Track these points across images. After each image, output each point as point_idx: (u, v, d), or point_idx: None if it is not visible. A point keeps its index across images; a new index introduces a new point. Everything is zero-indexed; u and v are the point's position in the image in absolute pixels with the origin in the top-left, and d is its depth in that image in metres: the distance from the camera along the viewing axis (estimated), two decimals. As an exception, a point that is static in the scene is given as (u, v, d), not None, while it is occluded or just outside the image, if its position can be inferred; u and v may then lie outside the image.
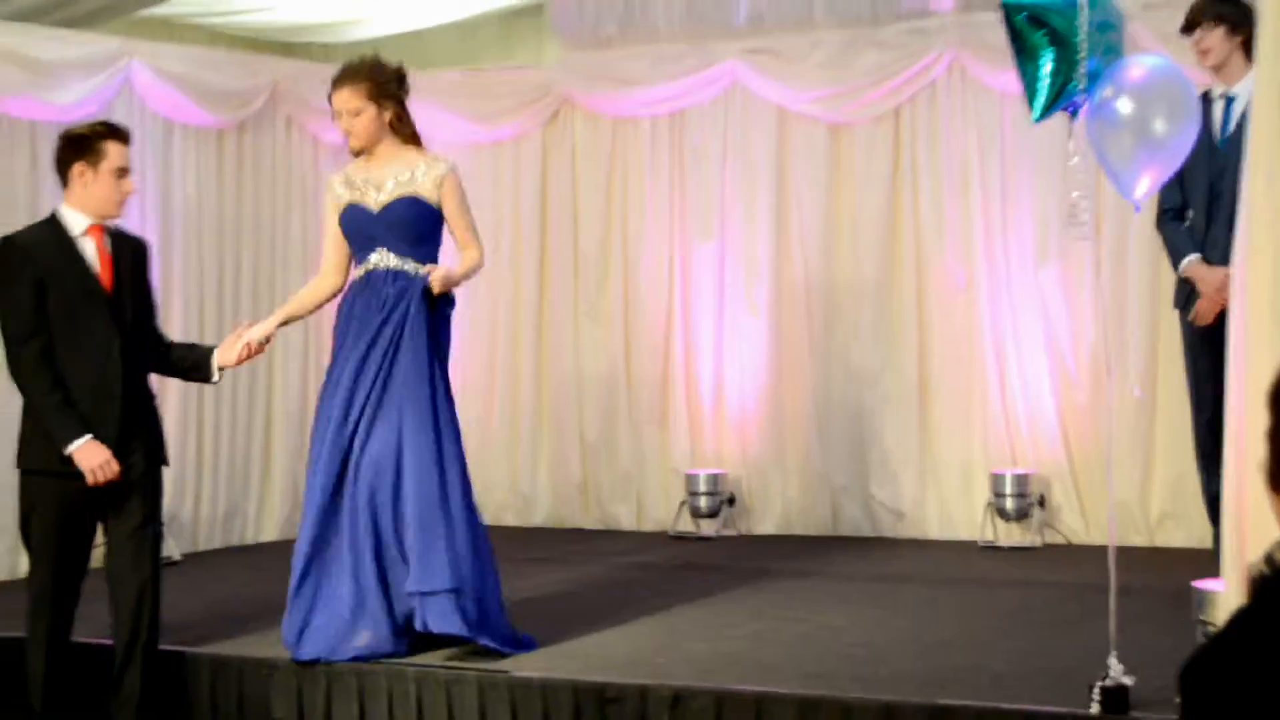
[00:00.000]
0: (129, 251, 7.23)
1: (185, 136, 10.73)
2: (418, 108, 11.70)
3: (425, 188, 7.33)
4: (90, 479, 6.84)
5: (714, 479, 11.09)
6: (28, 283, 6.89)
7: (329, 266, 7.57)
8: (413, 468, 7.18)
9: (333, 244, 7.52)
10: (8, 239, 7.08)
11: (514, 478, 11.91)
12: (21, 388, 6.98)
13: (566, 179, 11.81)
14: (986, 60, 10.38)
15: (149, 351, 7.24)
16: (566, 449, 11.77)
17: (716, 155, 11.40)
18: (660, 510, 11.41)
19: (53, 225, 7.10)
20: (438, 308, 7.33)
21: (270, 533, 11.17)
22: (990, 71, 10.40)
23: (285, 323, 7.63)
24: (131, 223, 9.90)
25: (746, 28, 11.26)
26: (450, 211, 7.42)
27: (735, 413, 11.33)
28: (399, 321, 7.19)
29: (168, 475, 10.13)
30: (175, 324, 10.36)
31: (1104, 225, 10.03)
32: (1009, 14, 6.15)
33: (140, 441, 7.09)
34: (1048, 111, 6.16)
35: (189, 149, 10.76)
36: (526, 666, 7.05)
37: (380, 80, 7.41)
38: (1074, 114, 6.15)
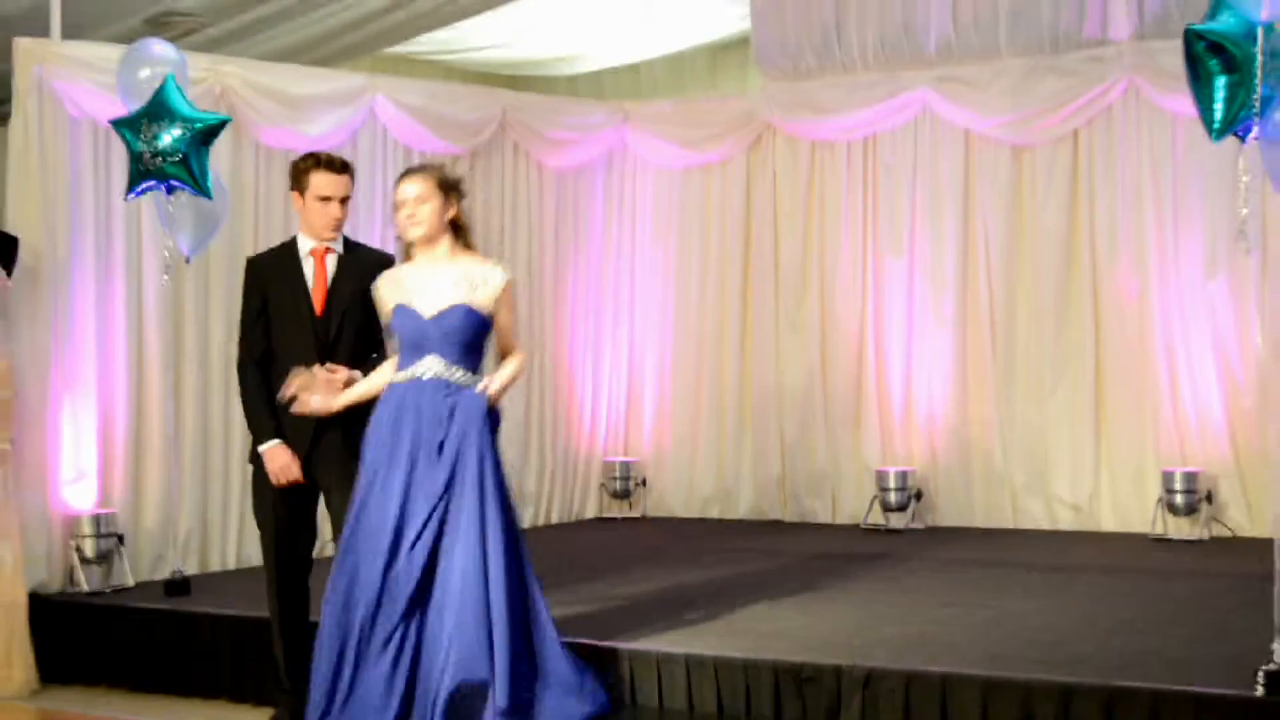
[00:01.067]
0: (358, 271, 7.09)
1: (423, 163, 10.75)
2: (634, 135, 11.91)
3: (482, 298, 6.58)
4: (273, 480, 6.93)
5: (903, 475, 11.01)
6: (256, 298, 7.06)
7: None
8: (493, 582, 6.47)
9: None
10: (250, 259, 7.26)
11: (719, 474, 11.88)
12: (240, 388, 7.17)
13: (768, 199, 11.77)
14: (1160, 85, 10.27)
15: (363, 367, 7.10)
16: (767, 448, 11.71)
17: (906, 176, 11.33)
18: (853, 505, 11.35)
19: (288, 247, 7.21)
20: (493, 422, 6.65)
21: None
22: (1163, 95, 10.27)
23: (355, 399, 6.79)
24: (373, 241, 10.09)
25: (936, 57, 11.17)
26: (502, 321, 6.71)
27: (923, 414, 11.24)
28: (460, 440, 6.49)
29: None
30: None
31: (1270, 239, 9.87)
32: (1189, 41, 6.07)
33: (334, 450, 7.02)
34: (1224, 133, 6.07)
35: (425, 174, 10.79)
36: (732, 648, 7.03)
37: (448, 177, 6.91)
38: (1245, 136, 6.05)
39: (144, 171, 8.35)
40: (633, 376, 12.12)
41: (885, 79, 11.38)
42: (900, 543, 10.43)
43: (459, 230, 6.71)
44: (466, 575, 6.38)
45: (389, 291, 6.67)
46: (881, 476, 11.05)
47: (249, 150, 9.69)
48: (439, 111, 10.84)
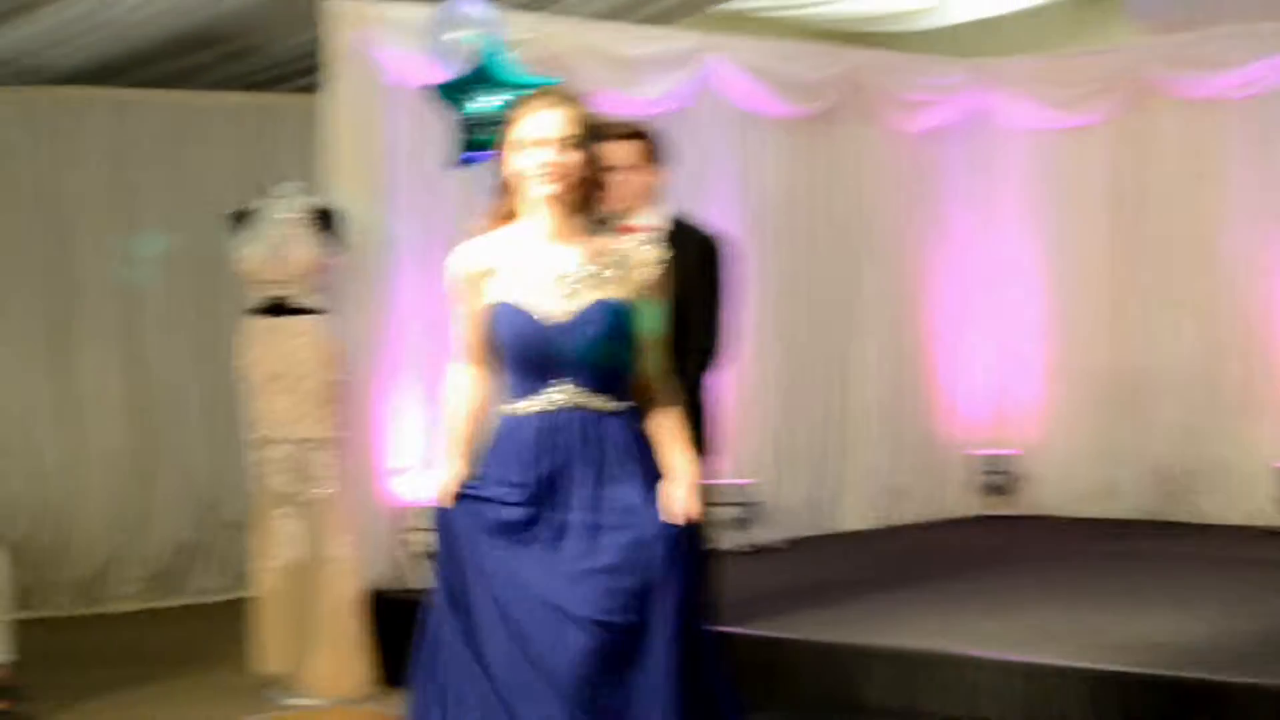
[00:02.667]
0: (677, 252, 7.15)
1: (763, 129, 10.74)
2: (999, 95, 11.67)
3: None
4: None
5: (1311, 469, 10.64)
6: None
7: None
8: None
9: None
10: None
11: (1102, 468, 11.60)
12: None
13: (1150, 164, 11.45)
14: None
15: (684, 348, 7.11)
16: (1156, 440, 11.41)
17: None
18: (1255, 502, 10.95)
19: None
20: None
21: (858, 522, 11.14)
22: None
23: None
24: (711, 213, 10.02)
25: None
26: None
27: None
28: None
29: (764, 463, 10.33)
30: (760, 313, 10.37)
31: None
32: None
33: None
34: None
35: (767, 142, 10.77)
36: (1123, 663, 6.88)
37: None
38: None
39: (470, 142, 8.44)
40: (1006, 360, 11.87)
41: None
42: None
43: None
44: None
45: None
46: (1284, 472, 10.66)
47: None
48: (779, 72, 10.75)
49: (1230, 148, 11.18)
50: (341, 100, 8.80)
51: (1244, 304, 11.11)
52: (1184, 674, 6.67)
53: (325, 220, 8.47)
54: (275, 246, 8.40)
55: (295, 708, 8.27)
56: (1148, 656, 6.97)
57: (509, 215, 5.09)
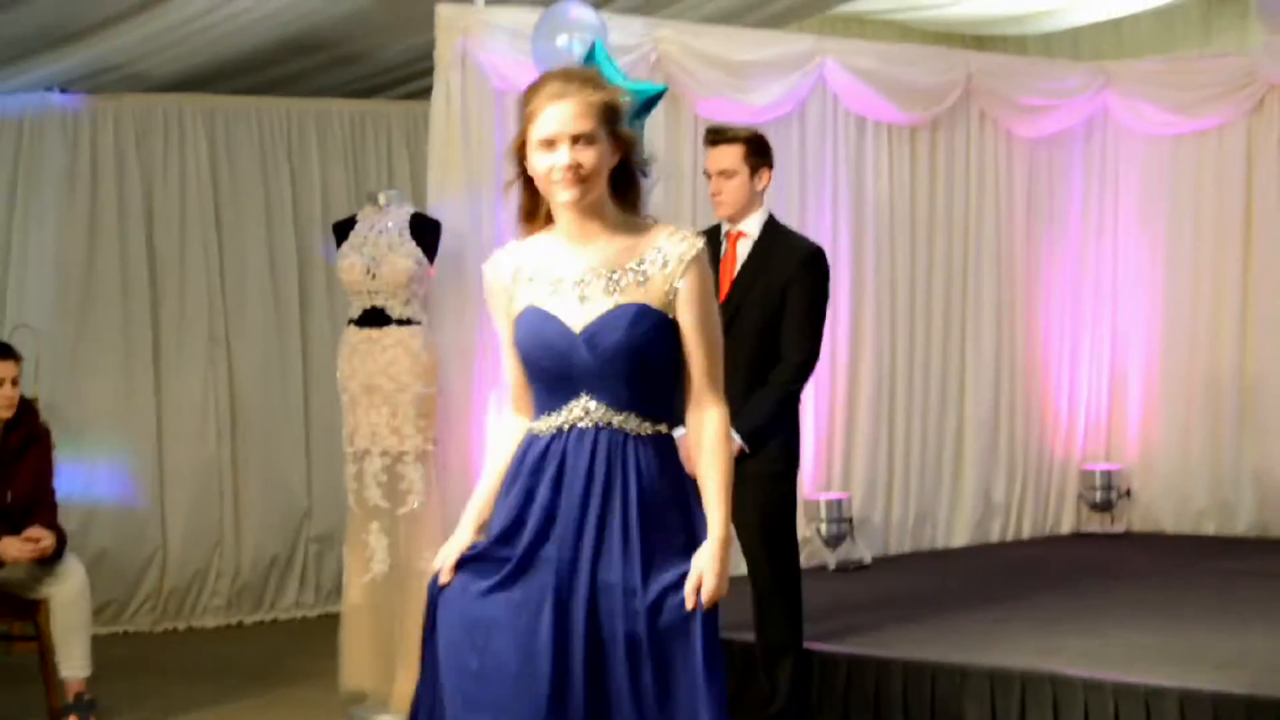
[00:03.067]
0: (776, 259, 7.31)
1: (878, 134, 10.70)
2: (1118, 99, 11.62)
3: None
4: None
5: None
6: None
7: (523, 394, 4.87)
8: None
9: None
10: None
11: (1216, 484, 11.47)
12: None
13: (1273, 171, 11.32)
14: None
15: (766, 365, 7.24)
16: (1273, 454, 11.29)
17: None
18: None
19: (717, 227, 7.48)
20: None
21: (961, 538, 11.09)
22: None
23: None
24: (824, 220, 10.15)
25: None
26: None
27: None
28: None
29: (859, 481, 10.35)
30: (868, 322, 10.49)
31: None
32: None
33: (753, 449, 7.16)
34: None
35: (881, 146, 10.72)
36: (1232, 684, 6.84)
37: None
38: None
39: (574, 146, 8.42)
40: (1115, 372, 11.77)
41: None
42: None
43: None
44: None
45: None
46: None
47: (687, 123, 9.71)
48: (896, 76, 10.70)
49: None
50: (448, 106, 8.78)
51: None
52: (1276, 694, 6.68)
53: (425, 230, 8.48)
54: (375, 256, 8.39)
55: None
56: (1243, 676, 6.96)
57: (538, 216, 4.70)
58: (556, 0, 8.77)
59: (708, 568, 4.49)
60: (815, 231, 10.00)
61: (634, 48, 9.18)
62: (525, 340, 4.62)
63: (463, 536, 4.77)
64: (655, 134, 8.91)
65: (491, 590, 4.59)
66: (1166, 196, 11.65)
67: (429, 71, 9.00)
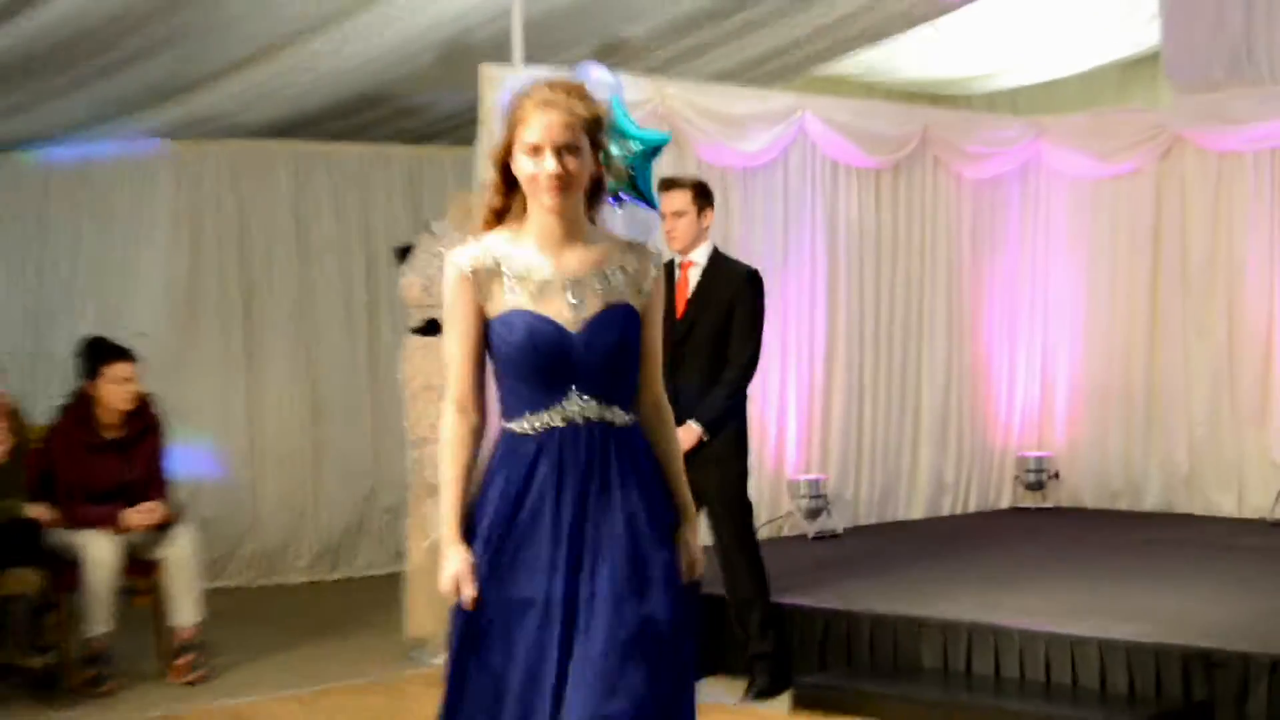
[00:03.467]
0: (721, 281, 7.47)
1: (849, 176, 10.68)
2: (1048, 148, 11.66)
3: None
4: None
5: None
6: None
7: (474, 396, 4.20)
8: None
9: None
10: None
11: (1128, 468, 11.51)
12: None
13: (1177, 208, 11.35)
14: None
15: (717, 368, 7.35)
16: (1174, 444, 11.34)
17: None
18: (1258, 498, 10.86)
19: (673, 261, 7.55)
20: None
21: (917, 511, 11.09)
22: None
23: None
24: (804, 246, 10.19)
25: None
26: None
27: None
28: None
29: (835, 460, 10.34)
30: (841, 332, 10.53)
31: None
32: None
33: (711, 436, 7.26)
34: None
35: (852, 186, 10.70)
36: (1142, 634, 6.89)
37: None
38: None
39: (596, 184, 8.47)
40: (1046, 375, 11.80)
41: (1294, 91, 10.90)
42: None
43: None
44: None
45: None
46: (1287, 472, 10.57)
47: (690, 166, 9.71)
48: (864, 127, 10.72)
49: (1245, 193, 11.07)
50: (490, 150, 8.83)
51: (1255, 328, 10.99)
52: (1187, 643, 6.72)
53: (473, 254, 8.53)
54: (431, 276, 8.34)
55: (439, 665, 8.25)
56: (1151, 628, 7.01)
57: (507, 213, 4.14)
58: (581, 63, 8.83)
59: (695, 542, 4.23)
60: (796, 255, 10.11)
61: (645, 102, 9.18)
62: (518, 343, 4.01)
63: (462, 553, 4.01)
64: (664, 172, 8.93)
65: (521, 604, 3.99)
66: (1089, 230, 11.68)
67: (475, 121, 9.00)
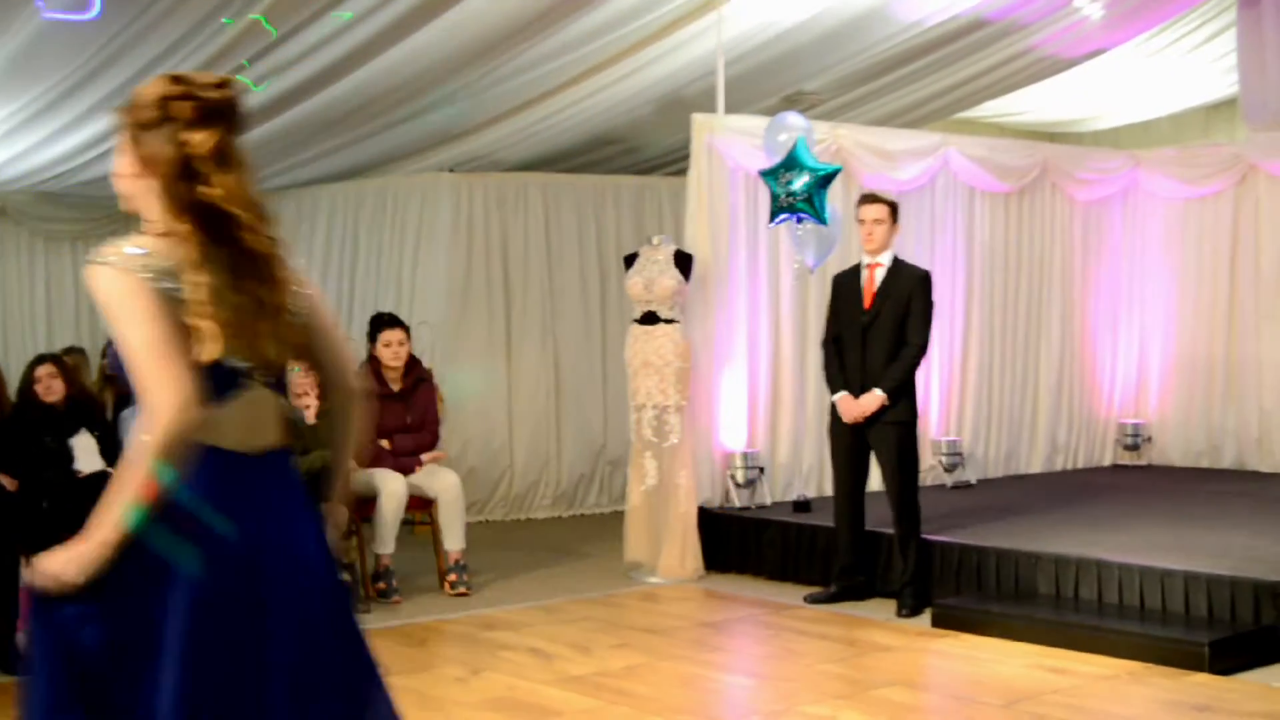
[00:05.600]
0: (902, 280, 7.43)
1: (983, 199, 10.40)
2: (1145, 175, 11.25)
3: None
4: (844, 419, 7.39)
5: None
6: (836, 298, 7.63)
7: None
8: None
9: None
10: (835, 275, 7.82)
11: (1209, 433, 11.06)
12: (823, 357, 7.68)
13: (1251, 222, 10.87)
14: None
15: (897, 347, 7.37)
16: (1247, 412, 10.87)
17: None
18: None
19: (859, 265, 7.63)
20: None
21: (1036, 466, 10.73)
22: None
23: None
24: (946, 256, 9.94)
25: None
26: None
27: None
28: None
29: (970, 424, 10.09)
30: (975, 325, 10.26)
31: None
32: None
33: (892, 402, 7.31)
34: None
35: (985, 207, 10.42)
36: (1221, 567, 6.63)
37: None
38: None
39: (781, 207, 8.38)
40: (1142, 357, 11.33)
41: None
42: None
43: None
44: None
45: None
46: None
47: (856, 191, 9.58)
48: (995, 159, 10.42)
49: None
50: (698, 180, 8.75)
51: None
52: (1257, 576, 6.51)
53: (684, 261, 8.47)
54: (650, 277, 8.41)
55: (651, 584, 8.30)
56: (1228, 563, 6.79)
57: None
58: (776, 112, 8.76)
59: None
60: (941, 262, 9.86)
61: (823, 140, 9.06)
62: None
63: None
64: (835, 197, 8.78)
65: None
66: (1179, 240, 11.22)
67: (686, 157, 9.01)
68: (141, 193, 2.90)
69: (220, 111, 2.87)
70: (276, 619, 2.83)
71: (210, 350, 2.81)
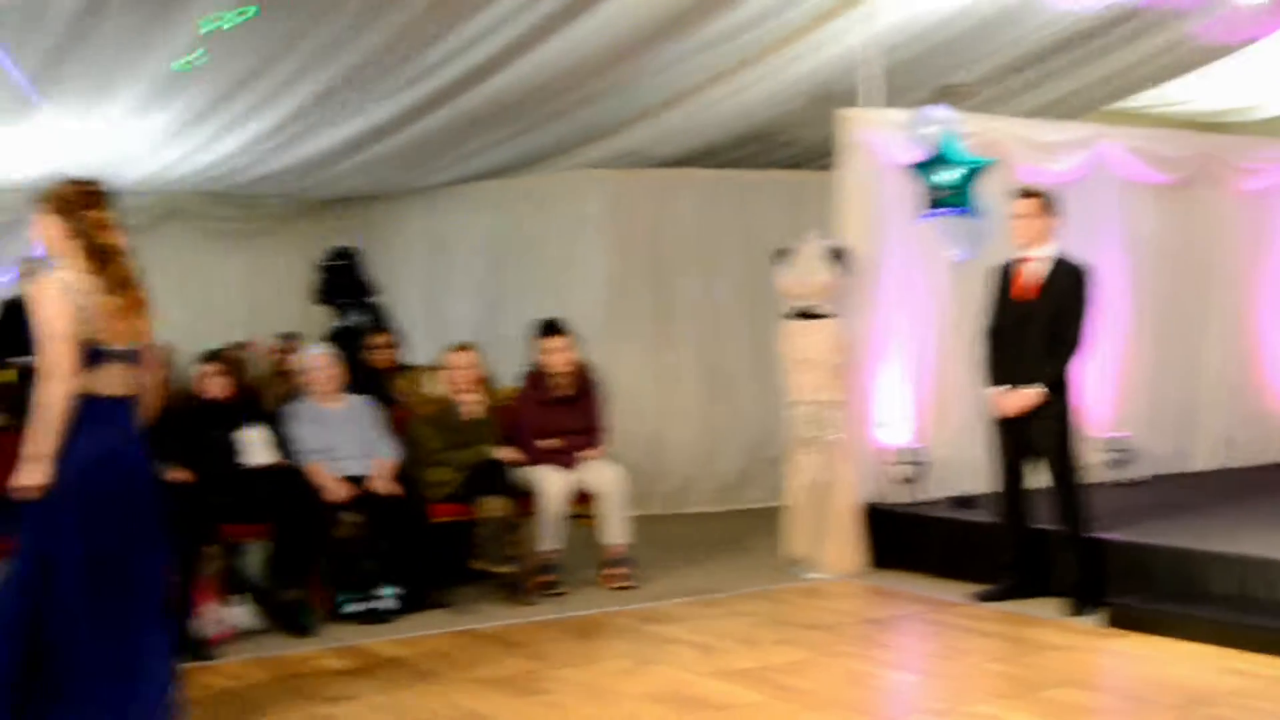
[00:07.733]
0: (1058, 275, 7.27)
1: (1141, 190, 10.11)
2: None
3: None
4: (998, 413, 7.28)
5: None
6: (994, 291, 7.47)
7: None
8: None
9: None
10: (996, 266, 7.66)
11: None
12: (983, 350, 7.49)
13: None
14: None
15: (1054, 342, 7.17)
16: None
17: None
18: None
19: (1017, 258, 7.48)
20: None
21: (1202, 465, 10.38)
22: None
23: None
24: (1106, 250, 9.68)
25: None
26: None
27: None
28: None
29: (1138, 421, 9.78)
30: (1140, 322, 9.96)
31: None
32: None
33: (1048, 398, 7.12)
34: None
35: (1142, 201, 10.12)
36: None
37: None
38: None
39: (934, 200, 8.28)
40: (1313, 355, 10.99)
41: None
42: None
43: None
44: None
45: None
46: None
47: (1011, 183, 9.40)
48: (1151, 150, 10.13)
49: None
50: (849, 175, 8.67)
51: None
52: None
53: (837, 255, 8.39)
54: (803, 273, 8.36)
55: (812, 579, 8.26)
56: None
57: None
58: (926, 105, 8.63)
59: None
60: (1101, 256, 9.57)
61: (975, 134, 8.87)
62: None
63: None
64: (988, 188, 8.61)
65: None
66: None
67: (835, 152, 8.92)
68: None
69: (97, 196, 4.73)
70: (127, 497, 4.68)
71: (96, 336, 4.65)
